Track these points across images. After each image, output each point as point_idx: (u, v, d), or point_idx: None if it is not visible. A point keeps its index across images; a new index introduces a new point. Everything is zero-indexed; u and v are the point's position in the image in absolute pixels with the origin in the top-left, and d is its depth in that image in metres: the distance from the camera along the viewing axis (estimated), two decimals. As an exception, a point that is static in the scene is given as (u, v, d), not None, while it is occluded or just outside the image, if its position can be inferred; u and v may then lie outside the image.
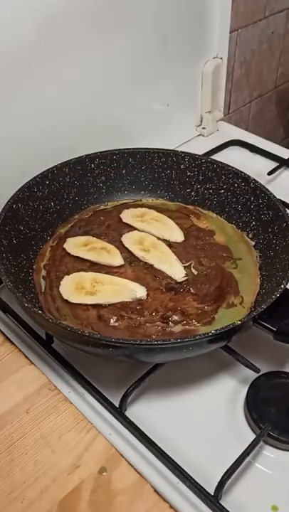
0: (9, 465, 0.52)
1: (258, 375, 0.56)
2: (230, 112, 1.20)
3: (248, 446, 0.50)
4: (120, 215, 0.72)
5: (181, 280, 0.63)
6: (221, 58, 0.94)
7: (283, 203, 0.71)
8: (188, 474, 0.48)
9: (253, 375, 0.56)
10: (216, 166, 0.73)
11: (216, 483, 0.47)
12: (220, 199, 0.73)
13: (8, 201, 0.64)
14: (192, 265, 0.65)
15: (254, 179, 0.69)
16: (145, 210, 0.73)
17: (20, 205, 0.66)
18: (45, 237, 0.69)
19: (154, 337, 0.57)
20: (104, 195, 0.76)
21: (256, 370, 0.56)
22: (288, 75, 1.32)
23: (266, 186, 0.68)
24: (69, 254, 0.67)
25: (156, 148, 0.75)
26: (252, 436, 0.52)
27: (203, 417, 0.55)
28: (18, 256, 0.64)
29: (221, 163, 0.73)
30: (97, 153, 0.73)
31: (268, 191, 0.67)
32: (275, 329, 0.53)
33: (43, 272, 0.65)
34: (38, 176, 0.69)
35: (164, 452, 0.50)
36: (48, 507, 0.48)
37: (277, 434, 0.51)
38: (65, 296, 0.61)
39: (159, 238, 0.69)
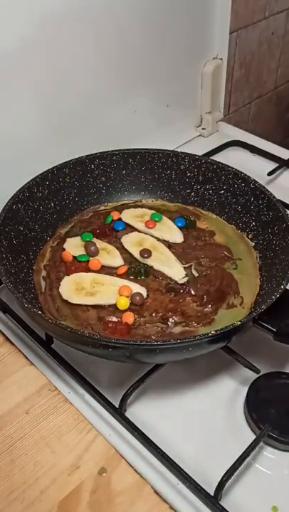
0: (9, 466, 0.52)
1: (257, 375, 0.56)
2: (230, 113, 1.20)
3: (248, 447, 0.50)
4: (120, 216, 0.72)
5: (181, 281, 0.63)
6: (221, 59, 0.95)
7: (283, 203, 0.71)
8: (188, 475, 0.48)
9: (253, 375, 0.56)
10: (216, 167, 0.73)
11: (216, 484, 0.47)
12: (220, 200, 0.73)
13: (8, 202, 0.64)
14: (193, 266, 0.65)
15: (254, 180, 0.69)
16: (145, 211, 0.73)
17: (20, 206, 0.66)
18: (45, 238, 0.69)
19: (153, 338, 0.57)
20: (104, 196, 0.76)
21: (256, 370, 0.56)
22: (288, 76, 1.32)
23: (266, 187, 0.68)
24: (69, 254, 0.67)
25: (156, 149, 0.75)
26: (252, 437, 0.52)
27: (203, 418, 0.55)
28: (18, 256, 0.64)
29: (221, 163, 0.73)
30: (97, 153, 0.73)
31: (268, 192, 0.67)
32: (275, 330, 0.53)
33: (43, 273, 0.65)
34: (37, 176, 0.69)
35: (164, 453, 0.50)
36: (47, 508, 0.48)
37: (277, 435, 0.51)
38: (65, 297, 0.61)
39: (158, 239, 0.69)
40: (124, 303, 0.59)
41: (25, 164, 0.70)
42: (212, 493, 0.47)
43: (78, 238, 0.69)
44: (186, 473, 0.48)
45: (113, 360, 0.57)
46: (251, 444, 0.50)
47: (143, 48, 0.80)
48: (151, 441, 0.51)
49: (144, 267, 0.64)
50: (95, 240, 0.68)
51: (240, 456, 0.49)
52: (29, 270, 0.65)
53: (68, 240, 0.69)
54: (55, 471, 0.51)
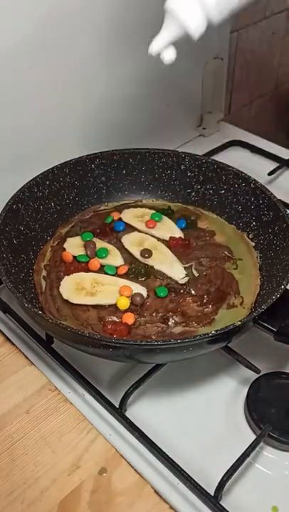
0: (9, 466, 0.52)
1: (258, 375, 0.56)
2: (231, 113, 1.20)
3: (249, 447, 0.50)
4: (120, 215, 0.72)
5: (181, 281, 0.63)
6: (222, 59, 0.95)
7: (283, 203, 0.71)
8: (189, 475, 0.48)
9: (253, 375, 0.56)
10: (217, 167, 0.73)
11: (216, 484, 0.47)
12: (220, 199, 0.73)
13: (9, 201, 0.64)
14: (193, 266, 0.65)
15: (254, 180, 0.69)
16: (145, 211, 0.73)
17: (20, 206, 0.66)
18: (45, 238, 0.69)
19: (153, 338, 0.57)
20: (104, 196, 0.76)
21: (256, 370, 0.56)
22: (289, 76, 1.32)
23: (266, 187, 0.68)
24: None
25: (157, 149, 0.75)
26: (252, 437, 0.52)
27: (204, 418, 0.55)
28: (19, 256, 0.64)
29: (222, 163, 0.73)
30: (97, 153, 0.73)
31: (269, 192, 0.67)
32: (275, 330, 0.53)
33: (44, 273, 0.65)
34: (38, 176, 0.69)
35: (164, 453, 0.50)
36: (48, 508, 0.48)
37: (277, 435, 0.51)
38: (65, 297, 0.61)
39: (159, 239, 0.69)
40: (124, 303, 0.59)
41: (24, 164, 0.70)
42: (212, 493, 0.47)
43: (78, 238, 0.69)
44: (186, 473, 0.48)
45: (113, 360, 0.57)
46: (251, 444, 0.50)
47: (143, 48, 0.80)
48: (152, 441, 0.51)
49: (145, 267, 0.64)
50: (95, 239, 0.68)
51: (241, 456, 0.49)
52: (29, 270, 0.65)
53: (68, 239, 0.69)
54: (56, 471, 0.51)
